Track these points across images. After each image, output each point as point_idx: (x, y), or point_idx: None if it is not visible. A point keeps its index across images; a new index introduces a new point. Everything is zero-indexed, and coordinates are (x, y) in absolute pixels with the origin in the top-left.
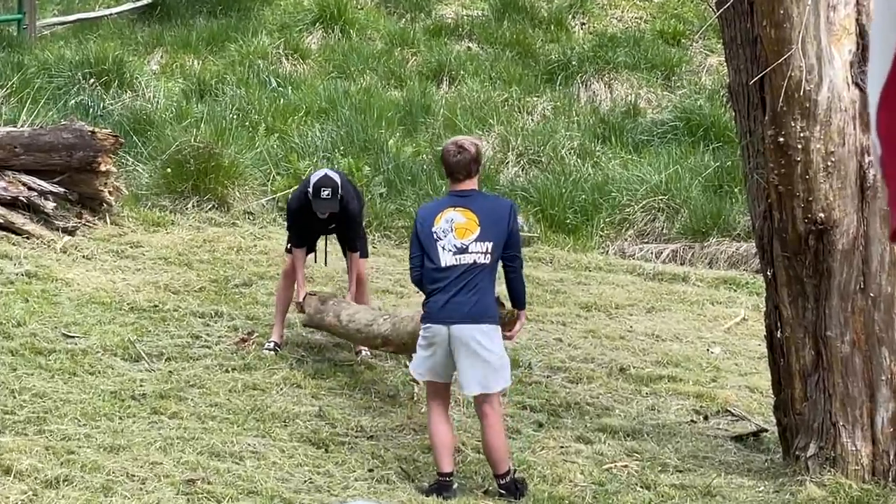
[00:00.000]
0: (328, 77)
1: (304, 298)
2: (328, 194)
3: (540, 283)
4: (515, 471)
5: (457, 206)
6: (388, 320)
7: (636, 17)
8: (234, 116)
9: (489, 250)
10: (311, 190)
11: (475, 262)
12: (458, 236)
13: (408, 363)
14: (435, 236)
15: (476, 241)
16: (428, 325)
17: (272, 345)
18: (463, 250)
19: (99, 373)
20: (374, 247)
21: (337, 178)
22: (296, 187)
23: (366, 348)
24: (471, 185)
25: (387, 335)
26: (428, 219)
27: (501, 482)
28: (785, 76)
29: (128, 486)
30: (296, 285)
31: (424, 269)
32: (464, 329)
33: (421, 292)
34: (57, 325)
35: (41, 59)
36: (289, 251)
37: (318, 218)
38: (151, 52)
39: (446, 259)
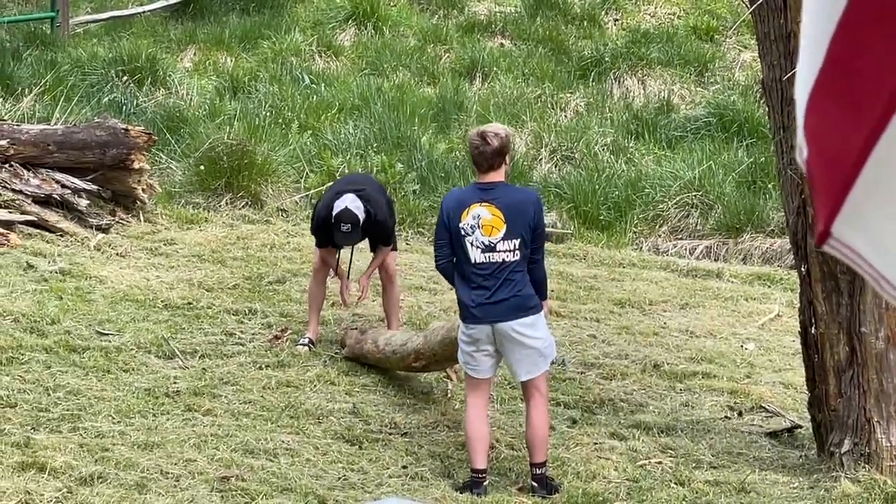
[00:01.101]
0: (361, 74)
1: (345, 332)
2: (348, 229)
3: (573, 280)
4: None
5: (483, 201)
6: (420, 335)
7: (669, 13)
8: (268, 114)
9: (517, 247)
10: (333, 217)
11: (504, 261)
12: (486, 233)
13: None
14: (463, 232)
15: (503, 239)
16: (471, 325)
17: (306, 341)
18: (491, 248)
19: (133, 370)
20: (406, 243)
21: (360, 212)
22: (328, 186)
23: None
24: (496, 176)
25: (419, 349)
26: (455, 213)
27: (536, 472)
28: None
29: (162, 483)
30: (338, 278)
31: (457, 264)
32: (507, 326)
33: (447, 281)
34: (91, 323)
35: (74, 57)
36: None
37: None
38: (184, 50)
39: (476, 256)
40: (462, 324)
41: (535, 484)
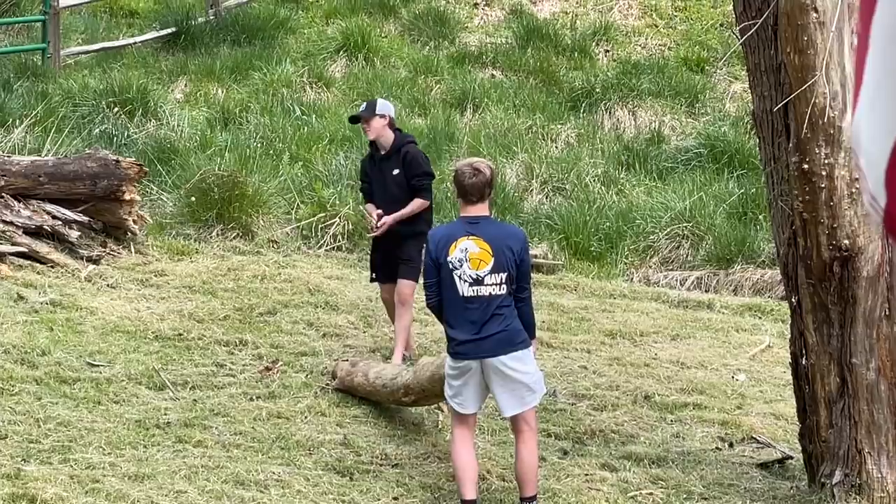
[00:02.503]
0: (352, 105)
1: (336, 363)
2: (364, 107)
3: (565, 311)
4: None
5: (470, 235)
6: (409, 370)
7: (660, 45)
8: (258, 145)
9: (503, 281)
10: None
11: (491, 294)
12: (473, 267)
13: None
14: (451, 266)
15: (490, 272)
16: (458, 361)
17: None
18: (479, 282)
19: (123, 401)
20: None
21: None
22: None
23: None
24: (483, 209)
25: (408, 383)
26: (443, 247)
27: None
28: (809, 103)
29: None
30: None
31: (445, 299)
32: (496, 360)
33: (438, 319)
34: (81, 354)
35: (65, 88)
36: (372, 280)
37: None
38: (175, 81)
39: (464, 290)
40: (450, 358)
41: None
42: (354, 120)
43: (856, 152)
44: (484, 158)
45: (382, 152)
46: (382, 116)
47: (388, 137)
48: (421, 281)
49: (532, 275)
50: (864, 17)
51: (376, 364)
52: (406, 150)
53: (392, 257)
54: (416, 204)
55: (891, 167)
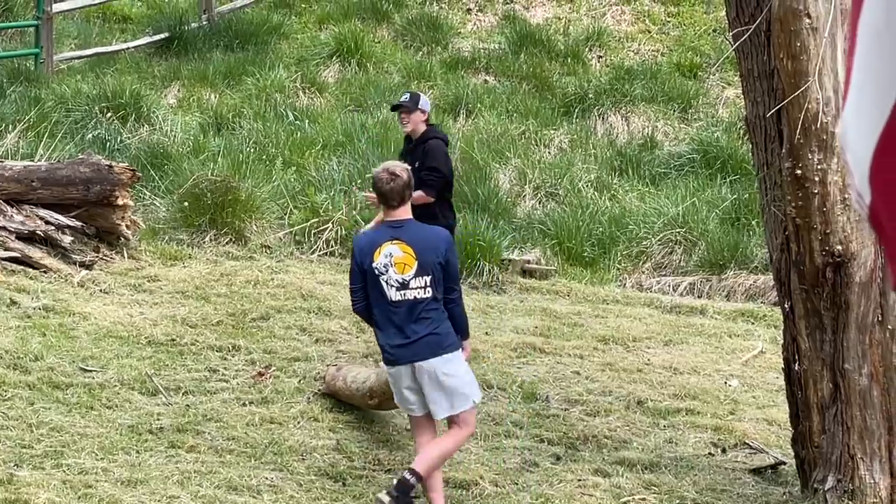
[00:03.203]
0: (345, 110)
1: (327, 368)
2: (407, 97)
3: (557, 316)
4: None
5: (394, 239)
6: (374, 373)
7: (653, 50)
8: (252, 150)
9: (428, 284)
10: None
11: (416, 298)
12: (399, 271)
13: None
14: (377, 271)
15: (415, 276)
16: (391, 367)
17: None
18: (405, 286)
19: (116, 407)
20: None
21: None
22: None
23: None
24: (405, 212)
25: (372, 386)
26: (367, 253)
27: (405, 476)
28: (802, 108)
29: None
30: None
31: (373, 304)
32: (425, 365)
33: (367, 323)
34: (74, 359)
35: (58, 94)
36: None
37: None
38: (168, 86)
39: (392, 294)
40: (384, 364)
41: (395, 483)
42: (396, 108)
43: (844, 150)
44: (399, 163)
45: (411, 145)
46: (422, 112)
47: (421, 130)
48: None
49: (525, 280)
50: (853, 18)
51: (356, 368)
52: (428, 143)
53: None
54: (423, 196)
55: (875, 164)
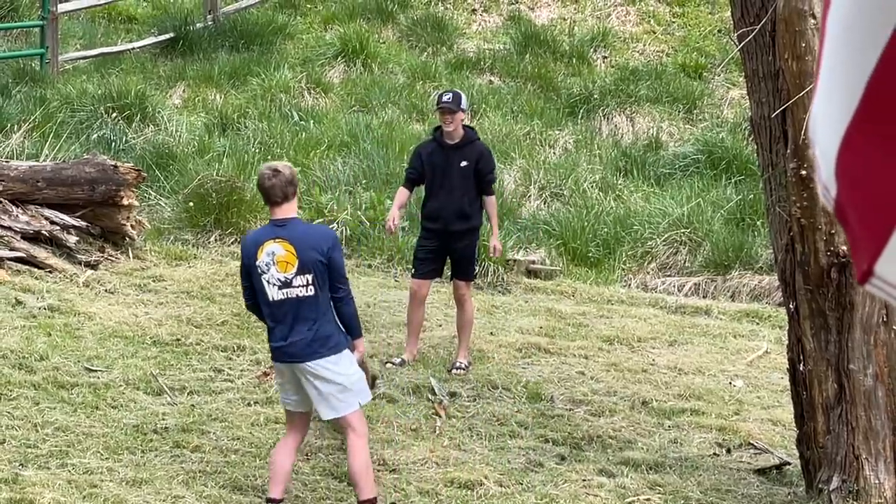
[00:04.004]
0: (350, 111)
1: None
2: (449, 98)
3: (562, 317)
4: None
5: (276, 238)
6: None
7: (658, 51)
8: (257, 150)
9: (309, 282)
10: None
11: (298, 297)
12: (281, 270)
13: (430, 397)
14: (259, 270)
15: (296, 274)
16: (276, 364)
17: (399, 361)
18: (287, 284)
19: (121, 406)
20: (395, 280)
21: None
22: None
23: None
24: (289, 210)
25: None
26: (251, 251)
27: None
28: (807, 109)
29: None
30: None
31: (259, 302)
32: (308, 366)
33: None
34: (79, 359)
35: (64, 94)
36: (412, 275)
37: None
38: (174, 87)
39: (273, 293)
40: (273, 363)
41: None
42: (439, 107)
43: (812, 143)
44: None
45: (451, 142)
46: (464, 111)
47: (461, 131)
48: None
49: (530, 280)
50: (824, 11)
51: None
52: (479, 146)
53: (441, 253)
54: (494, 206)
55: (840, 157)
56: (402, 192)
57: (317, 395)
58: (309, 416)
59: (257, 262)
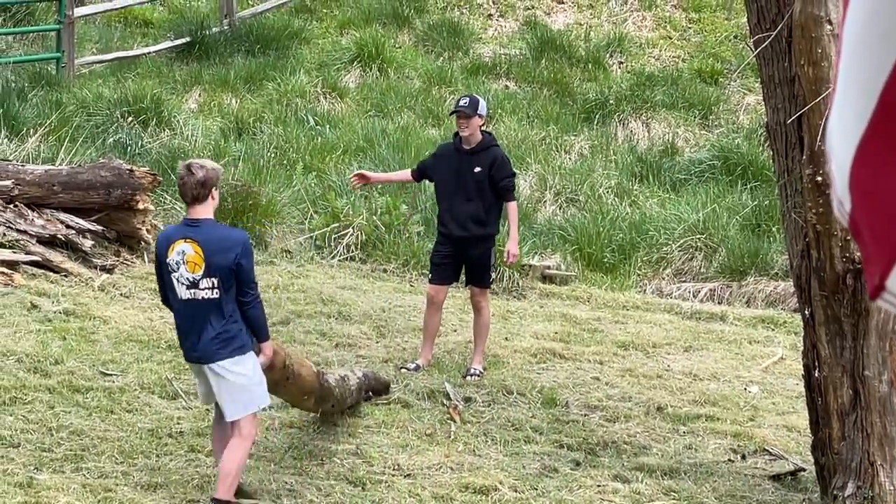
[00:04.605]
0: (366, 115)
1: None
2: (465, 103)
3: (577, 322)
4: None
5: (187, 238)
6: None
7: (674, 56)
8: (272, 155)
9: (215, 285)
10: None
11: (205, 298)
12: (190, 270)
13: (444, 402)
14: (170, 268)
15: (203, 276)
16: (188, 363)
17: (414, 366)
18: (195, 285)
19: (136, 410)
20: (410, 285)
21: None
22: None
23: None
24: (203, 211)
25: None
26: (163, 249)
27: None
28: (823, 115)
29: None
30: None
31: (170, 300)
32: (213, 367)
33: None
34: (94, 363)
35: (80, 98)
36: (430, 280)
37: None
38: (189, 91)
39: (182, 292)
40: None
41: None
42: (455, 112)
43: (829, 157)
44: (209, 160)
45: (467, 147)
46: (481, 117)
47: (478, 136)
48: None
49: (545, 285)
50: (840, 21)
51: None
52: (494, 152)
53: (457, 259)
54: (514, 211)
55: (853, 170)
56: (402, 172)
57: (222, 396)
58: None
59: (167, 260)
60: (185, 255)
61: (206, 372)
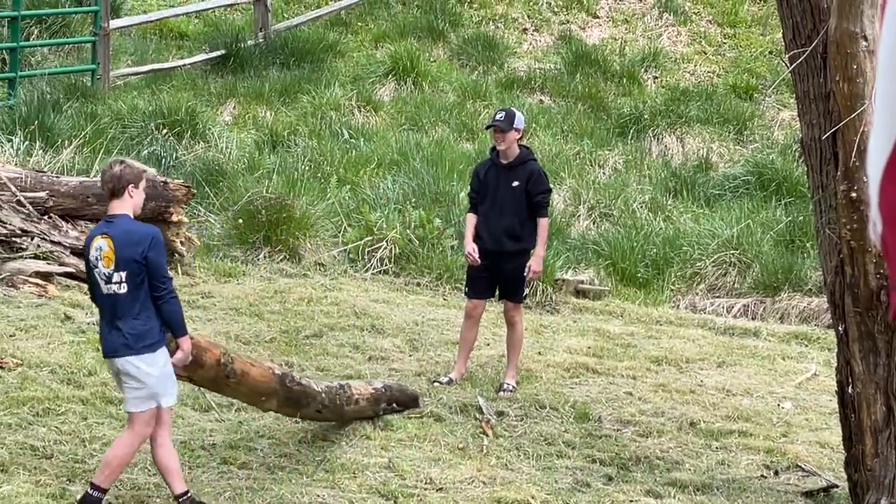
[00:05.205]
0: (400, 129)
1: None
2: (501, 116)
3: (610, 337)
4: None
5: (103, 234)
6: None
7: (709, 72)
8: (306, 168)
9: (125, 279)
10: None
11: (115, 293)
12: (105, 265)
13: (477, 416)
14: (92, 264)
15: (114, 271)
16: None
17: (447, 379)
18: (109, 280)
19: None
20: (444, 299)
21: (514, 110)
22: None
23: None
24: (120, 207)
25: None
26: (87, 245)
27: (88, 492)
28: (858, 131)
29: None
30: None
31: (95, 296)
32: (121, 362)
33: None
34: None
35: (114, 110)
36: (466, 295)
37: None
38: (224, 103)
39: (102, 287)
40: None
41: (80, 499)
42: (491, 126)
43: (868, 179)
44: (136, 161)
45: (505, 162)
46: (517, 130)
47: (515, 150)
48: None
49: (578, 300)
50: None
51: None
52: (532, 166)
53: (493, 274)
54: (544, 228)
55: (882, 191)
56: (470, 218)
57: (125, 389)
58: (165, 409)
59: (90, 256)
60: (102, 252)
61: (117, 368)
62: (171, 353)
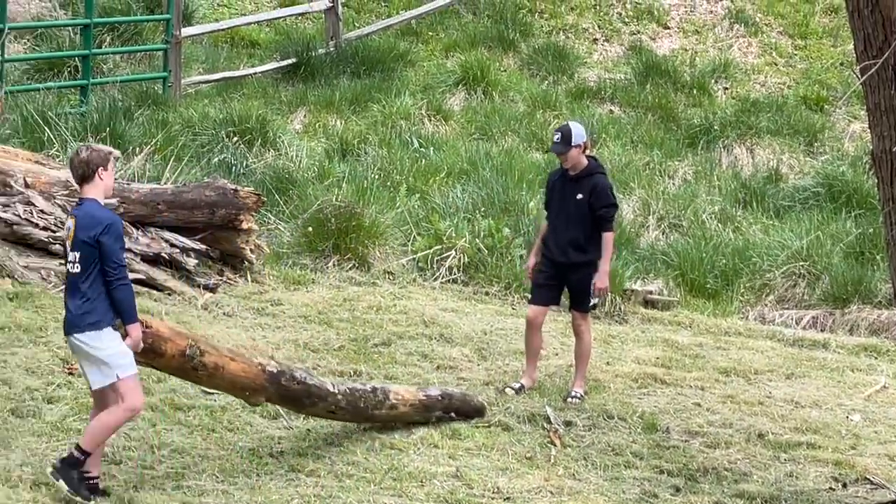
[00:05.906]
0: (470, 138)
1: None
2: (559, 138)
3: (679, 348)
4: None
5: (71, 216)
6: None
7: (779, 83)
8: (376, 176)
9: (77, 260)
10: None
11: (70, 272)
12: (69, 246)
13: (545, 425)
14: (65, 244)
15: (71, 250)
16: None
17: (518, 385)
18: (68, 259)
19: (237, 429)
20: (512, 308)
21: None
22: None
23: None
24: (89, 191)
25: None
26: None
27: (72, 452)
28: None
29: None
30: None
31: None
32: (73, 339)
33: None
34: None
35: (185, 117)
36: (529, 302)
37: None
38: (294, 112)
39: (67, 266)
40: None
41: (64, 457)
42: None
43: None
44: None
45: (572, 174)
46: (577, 146)
47: (582, 163)
48: None
49: (647, 310)
50: None
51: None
52: (597, 179)
53: (557, 282)
54: (607, 242)
55: None
56: (543, 228)
57: (86, 369)
58: (105, 390)
59: (62, 235)
60: (69, 231)
61: (71, 345)
62: (122, 339)
